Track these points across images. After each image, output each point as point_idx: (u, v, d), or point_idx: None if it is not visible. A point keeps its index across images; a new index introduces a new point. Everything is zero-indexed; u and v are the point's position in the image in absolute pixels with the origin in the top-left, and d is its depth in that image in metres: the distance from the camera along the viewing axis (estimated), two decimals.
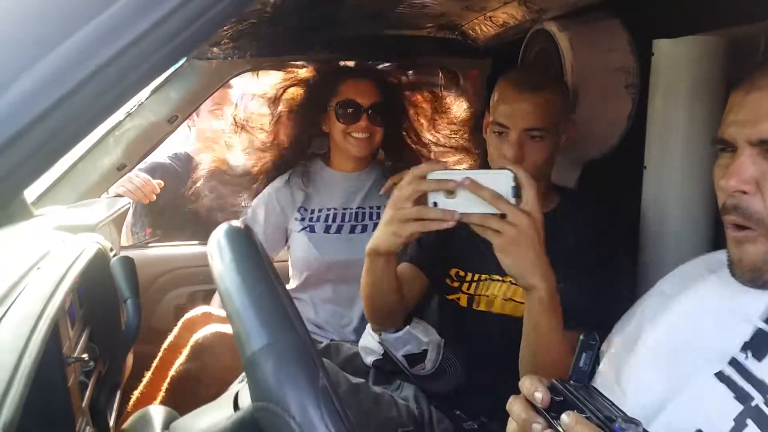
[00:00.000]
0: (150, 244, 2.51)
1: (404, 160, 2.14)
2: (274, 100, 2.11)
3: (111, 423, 1.17)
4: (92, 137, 2.01)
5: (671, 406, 0.81)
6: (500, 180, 1.07)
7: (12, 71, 0.60)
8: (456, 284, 1.55)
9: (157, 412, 0.98)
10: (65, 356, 0.97)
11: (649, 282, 1.50)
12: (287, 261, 2.13)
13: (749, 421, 0.73)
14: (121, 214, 1.92)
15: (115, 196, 2.13)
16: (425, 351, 1.44)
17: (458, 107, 2.25)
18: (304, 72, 2.12)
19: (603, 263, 1.39)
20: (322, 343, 1.86)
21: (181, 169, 2.68)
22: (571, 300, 1.34)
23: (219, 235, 0.76)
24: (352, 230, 1.99)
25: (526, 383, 0.74)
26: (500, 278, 1.48)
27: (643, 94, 1.59)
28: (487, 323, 1.49)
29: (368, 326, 1.55)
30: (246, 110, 2.18)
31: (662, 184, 1.53)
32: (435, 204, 1.09)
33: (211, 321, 1.92)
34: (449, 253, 1.56)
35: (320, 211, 2.02)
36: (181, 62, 2.05)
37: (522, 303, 1.41)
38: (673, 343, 0.86)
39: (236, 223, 0.80)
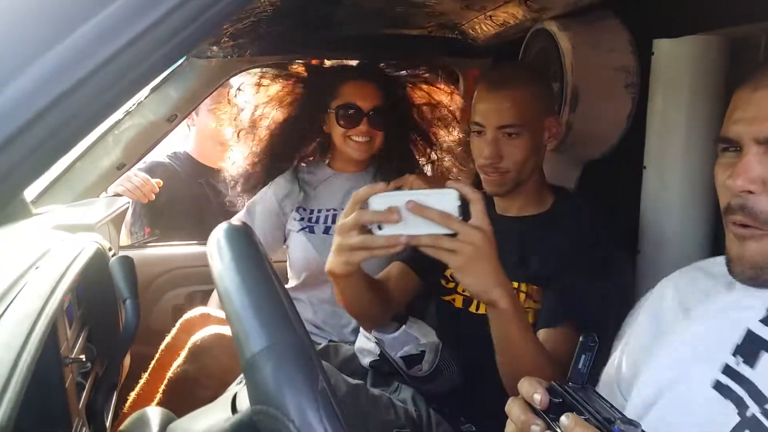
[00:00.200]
0: (149, 244, 2.51)
1: (406, 161, 2.14)
2: (272, 100, 2.11)
3: (108, 424, 1.17)
4: (91, 136, 2.01)
5: (667, 416, 0.81)
6: (445, 199, 1.04)
7: (11, 69, 0.59)
8: (451, 285, 1.55)
9: (154, 413, 0.98)
10: (63, 356, 0.97)
11: (649, 282, 1.50)
12: (285, 261, 2.13)
13: None
14: (120, 213, 1.92)
15: (114, 196, 2.12)
16: (423, 352, 1.43)
17: (457, 107, 2.26)
18: (303, 71, 2.12)
19: (597, 263, 1.38)
20: (320, 344, 1.85)
21: (180, 169, 2.67)
22: (564, 299, 1.34)
23: (219, 234, 0.76)
24: None
25: (524, 385, 0.74)
26: None
27: (643, 94, 1.59)
28: (484, 325, 1.48)
29: (361, 329, 1.55)
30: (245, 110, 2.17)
31: (662, 184, 1.52)
32: (381, 227, 1.06)
33: (209, 322, 1.91)
34: None
35: (320, 211, 2.01)
36: (180, 61, 2.05)
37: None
38: (672, 350, 0.86)
39: (235, 222, 0.80)
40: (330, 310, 2.00)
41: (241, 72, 2.16)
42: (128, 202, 2.08)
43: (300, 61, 2.15)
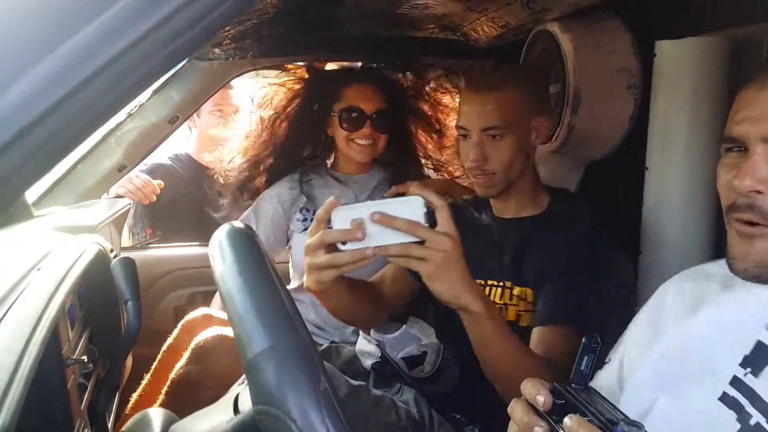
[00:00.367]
0: (150, 245, 2.51)
1: (409, 164, 2.13)
2: (275, 103, 2.11)
3: (110, 425, 1.17)
4: (93, 138, 2.01)
5: (663, 425, 0.80)
6: (411, 207, 1.03)
7: (13, 72, 0.59)
8: None
9: (156, 414, 0.98)
10: (65, 358, 0.97)
11: (650, 283, 1.50)
12: (288, 262, 2.12)
13: None
14: (122, 214, 1.92)
15: (116, 197, 2.13)
16: (424, 353, 1.43)
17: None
18: (306, 74, 2.12)
19: (592, 263, 1.39)
20: (322, 345, 1.85)
21: (181, 170, 2.67)
22: (559, 299, 1.34)
23: (221, 235, 0.76)
24: None
25: (527, 386, 0.74)
26: (495, 283, 1.48)
27: (645, 95, 1.58)
28: None
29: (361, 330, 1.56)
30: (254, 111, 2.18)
31: (664, 185, 1.52)
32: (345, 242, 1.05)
33: (211, 323, 1.91)
34: None
35: None
36: (182, 63, 2.05)
37: (514, 305, 1.42)
38: (676, 360, 0.85)
39: (238, 223, 0.80)
40: None
41: (242, 74, 2.16)
42: (130, 204, 2.08)
43: (302, 64, 2.15)
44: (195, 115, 2.52)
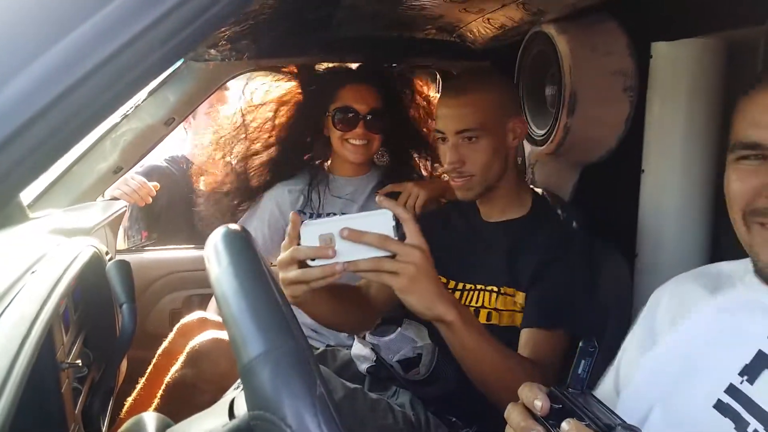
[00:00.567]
0: (146, 248, 2.50)
1: (406, 165, 2.13)
2: (270, 104, 2.10)
3: (104, 430, 1.17)
4: (88, 140, 2.00)
5: None
6: (380, 221, 1.03)
7: (9, 69, 0.59)
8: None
9: (150, 419, 0.97)
10: (59, 361, 0.96)
11: (646, 285, 1.51)
12: None
13: None
14: (117, 217, 1.92)
15: (111, 199, 2.12)
16: (419, 355, 1.43)
17: None
18: (301, 74, 2.12)
19: (577, 262, 1.40)
20: (318, 348, 1.84)
21: (177, 172, 2.67)
22: (545, 299, 1.35)
23: (216, 238, 0.75)
24: None
25: (525, 391, 0.73)
26: (483, 287, 1.48)
27: (641, 97, 1.58)
28: None
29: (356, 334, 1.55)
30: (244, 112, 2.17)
31: (660, 187, 1.52)
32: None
33: (207, 327, 1.91)
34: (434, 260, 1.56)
35: (320, 216, 2.01)
36: (178, 64, 2.04)
37: (504, 310, 1.42)
38: (672, 368, 0.85)
39: (234, 226, 0.79)
40: None
41: (238, 75, 2.16)
42: (125, 206, 2.07)
43: (298, 64, 2.14)
44: (191, 116, 2.52)
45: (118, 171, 2.09)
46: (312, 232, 1.04)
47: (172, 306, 2.38)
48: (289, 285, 1.09)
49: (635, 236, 1.58)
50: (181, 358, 1.78)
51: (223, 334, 1.76)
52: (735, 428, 0.74)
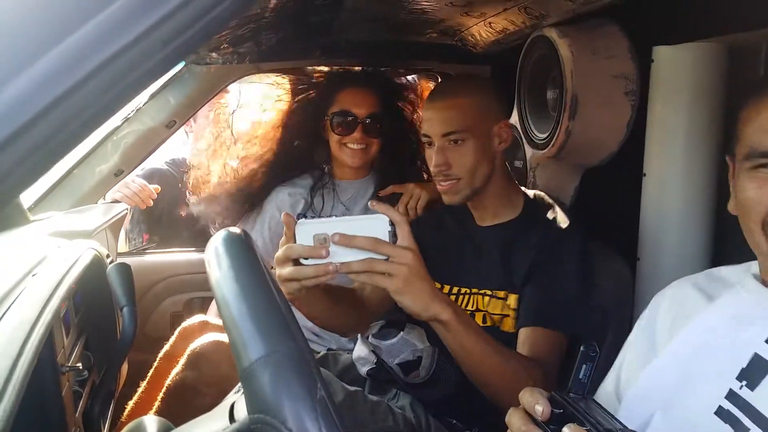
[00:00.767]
0: (147, 251, 2.50)
1: (406, 169, 2.13)
2: (269, 108, 2.10)
3: None
4: (89, 142, 2.00)
5: None
6: (376, 225, 1.04)
7: (10, 70, 0.59)
8: (438, 286, 1.54)
9: (151, 422, 0.97)
10: (59, 364, 0.96)
11: (648, 289, 1.50)
12: None
13: None
14: (118, 219, 1.92)
15: (112, 202, 2.12)
16: (420, 358, 1.43)
17: None
18: (301, 78, 2.12)
19: (571, 260, 1.40)
20: (319, 352, 1.84)
21: (178, 175, 2.67)
22: (540, 298, 1.36)
23: (217, 241, 0.75)
24: None
25: (525, 395, 0.73)
26: (477, 290, 1.48)
27: (643, 101, 1.58)
28: None
29: (359, 336, 1.55)
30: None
31: (662, 191, 1.52)
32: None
33: (208, 330, 1.91)
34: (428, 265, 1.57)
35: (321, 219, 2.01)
36: (179, 67, 2.05)
37: (496, 314, 1.42)
38: (673, 374, 0.85)
39: (234, 229, 0.79)
40: None
41: (240, 78, 2.16)
42: (126, 209, 2.07)
43: (299, 68, 2.14)
44: (192, 119, 2.52)
45: (119, 174, 2.09)
46: (307, 231, 1.05)
47: (172, 309, 2.38)
48: (283, 282, 1.10)
49: (637, 240, 1.58)
50: (182, 361, 1.77)
51: (224, 337, 1.76)
52: None
